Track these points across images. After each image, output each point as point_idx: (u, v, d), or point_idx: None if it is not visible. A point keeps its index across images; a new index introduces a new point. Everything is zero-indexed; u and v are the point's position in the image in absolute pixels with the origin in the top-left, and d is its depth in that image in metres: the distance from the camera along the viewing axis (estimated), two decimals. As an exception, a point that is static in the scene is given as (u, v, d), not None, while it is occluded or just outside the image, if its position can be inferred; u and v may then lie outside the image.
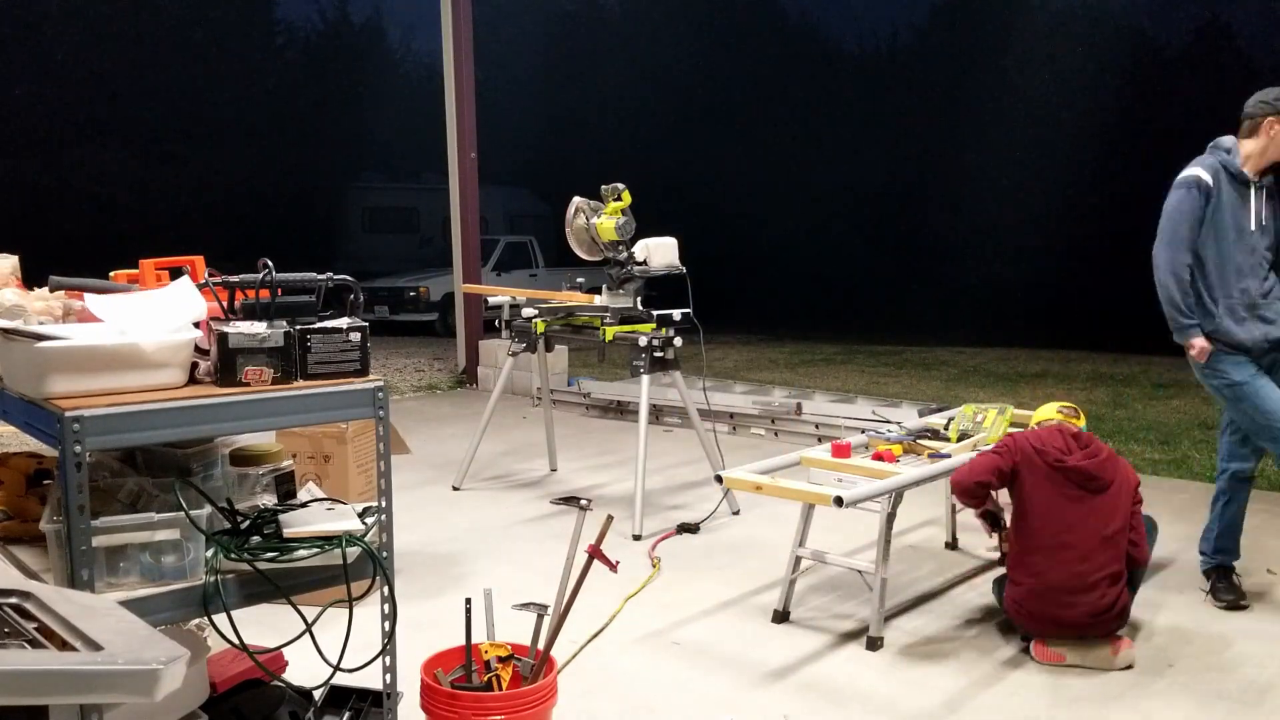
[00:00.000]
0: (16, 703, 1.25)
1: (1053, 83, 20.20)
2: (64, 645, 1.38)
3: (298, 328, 2.34)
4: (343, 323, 2.41)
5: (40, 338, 2.11)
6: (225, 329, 2.26)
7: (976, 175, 20.82)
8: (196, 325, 2.33)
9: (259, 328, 2.29)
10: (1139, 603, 3.87)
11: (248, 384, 2.26)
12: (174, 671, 1.29)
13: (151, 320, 2.29)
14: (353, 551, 2.39)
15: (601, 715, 3.32)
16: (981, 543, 5.03)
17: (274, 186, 21.47)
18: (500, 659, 2.90)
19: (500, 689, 2.83)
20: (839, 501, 3.58)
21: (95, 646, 1.33)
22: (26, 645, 1.44)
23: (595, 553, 3.06)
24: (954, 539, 5.02)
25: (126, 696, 1.30)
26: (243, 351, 2.25)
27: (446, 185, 10.42)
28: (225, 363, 2.25)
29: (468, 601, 2.90)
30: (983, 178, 20.70)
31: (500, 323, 6.28)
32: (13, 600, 1.50)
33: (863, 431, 4.81)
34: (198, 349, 2.33)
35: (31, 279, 2.77)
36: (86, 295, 2.43)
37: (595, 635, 3.30)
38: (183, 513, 2.22)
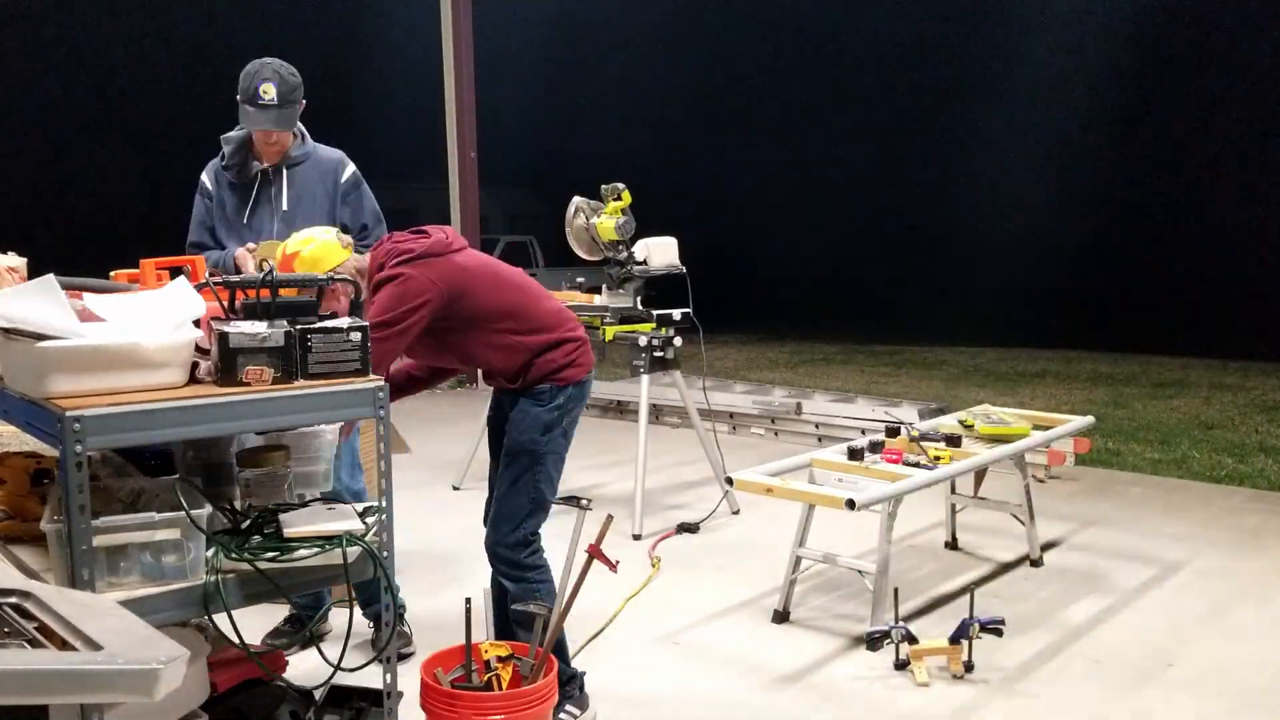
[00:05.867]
0: (16, 702, 1.25)
1: (1053, 83, 20.18)
2: (64, 645, 1.38)
3: (298, 327, 2.34)
4: (344, 322, 2.41)
5: (41, 337, 2.11)
6: (226, 329, 2.26)
7: (976, 175, 20.80)
8: (196, 325, 2.33)
9: (259, 327, 2.29)
10: (1139, 603, 3.87)
11: (248, 384, 2.25)
12: (174, 671, 1.29)
13: (152, 320, 2.28)
14: (353, 551, 2.39)
15: (602, 715, 3.32)
16: (982, 543, 5.04)
17: (274, 186, 21.43)
18: (500, 659, 2.90)
19: (500, 689, 2.83)
20: (851, 504, 3.58)
21: (95, 646, 1.33)
22: (26, 645, 1.44)
23: (595, 553, 3.06)
24: (954, 539, 5.02)
25: (126, 696, 1.30)
26: (243, 351, 2.25)
27: (446, 185, 10.42)
28: (226, 362, 2.24)
29: (468, 601, 2.90)
30: (983, 177, 20.68)
31: (500, 322, 6.28)
32: (13, 600, 1.50)
33: (864, 431, 4.81)
34: (198, 349, 2.33)
35: (31, 278, 2.77)
36: (86, 295, 2.42)
37: (595, 635, 3.29)
38: (183, 512, 2.22)
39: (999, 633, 3.60)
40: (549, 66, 24.13)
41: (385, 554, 2.45)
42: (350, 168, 3.86)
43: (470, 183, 10.22)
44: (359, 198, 3.85)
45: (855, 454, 4.23)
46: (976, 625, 3.55)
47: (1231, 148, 17.60)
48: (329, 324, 2.39)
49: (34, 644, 1.43)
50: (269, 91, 3.59)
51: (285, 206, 3.73)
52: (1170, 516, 5.54)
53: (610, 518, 3.24)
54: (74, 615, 1.42)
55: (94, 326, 2.26)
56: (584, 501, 3.22)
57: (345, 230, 3.51)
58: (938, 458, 4.26)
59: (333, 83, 23.08)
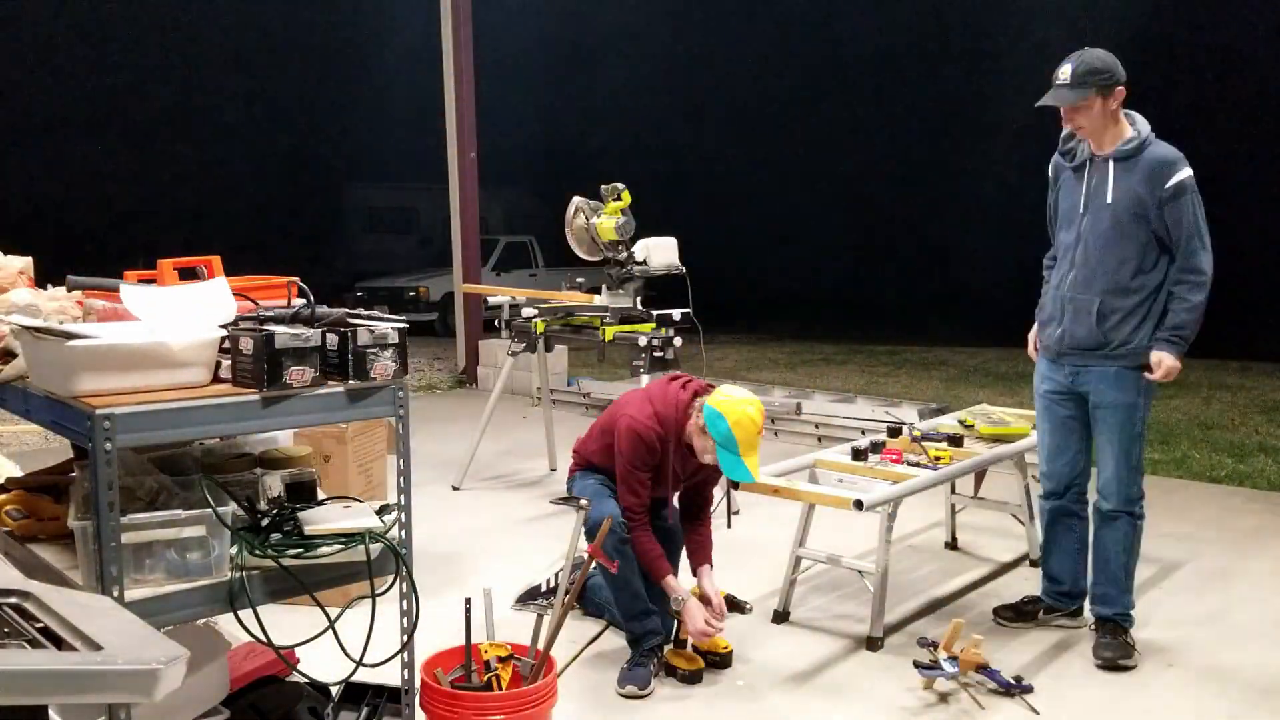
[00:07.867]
0: (16, 703, 1.25)
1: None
2: (64, 645, 1.38)
3: (342, 328, 2.40)
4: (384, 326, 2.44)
5: (71, 336, 2.13)
6: (272, 329, 2.27)
7: (976, 174, 20.80)
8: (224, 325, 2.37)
9: (301, 329, 2.31)
10: (1139, 603, 3.86)
11: (290, 384, 2.27)
12: (173, 671, 1.29)
13: (184, 319, 2.31)
14: (372, 549, 2.41)
15: (601, 716, 3.32)
16: (982, 543, 5.04)
17: (275, 186, 21.49)
18: (500, 659, 2.90)
19: (500, 689, 2.83)
20: (859, 505, 3.58)
21: (95, 646, 1.33)
22: (26, 645, 1.43)
23: (595, 553, 3.06)
24: (954, 539, 5.02)
25: (126, 696, 1.30)
26: (288, 352, 2.26)
27: (446, 185, 10.42)
28: (271, 363, 2.24)
29: (467, 601, 2.90)
30: (983, 176, 20.68)
31: (500, 323, 6.28)
32: (13, 600, 1.50)
33: (862, 431, 4.81)
34: (221, 348, 2.35)
35: (39, 280, 2.78)
36: (123, 292, 2.45)
37: (595, 638, 3.29)
38: (209, 509, 2.24)
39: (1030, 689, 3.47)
40: (549, 66, 24.14)
41: (404, 550, 2.51)
42: (1178, 174, 3.54)
43: (470, 183, 10.22)
44: (1177, 209, 3.53)
45: (859, 454, 4.24)
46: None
47: (1233, 148, 17.60)
48: (371, 324, 2.42)
49: (34, 644, 1.43)
50: (1064, 71, 3.56)
51: (1109, 200, 3.59)
52: (1170, 516, 5.53)
53: (611, 518, 3.24)
54: (74, 615, 1.41)
55: (119, 326, 2.29)
56: (583, 502, 3.23)
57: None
58: (938, 458, 4.26)
59: (333, 82, 23.12)
